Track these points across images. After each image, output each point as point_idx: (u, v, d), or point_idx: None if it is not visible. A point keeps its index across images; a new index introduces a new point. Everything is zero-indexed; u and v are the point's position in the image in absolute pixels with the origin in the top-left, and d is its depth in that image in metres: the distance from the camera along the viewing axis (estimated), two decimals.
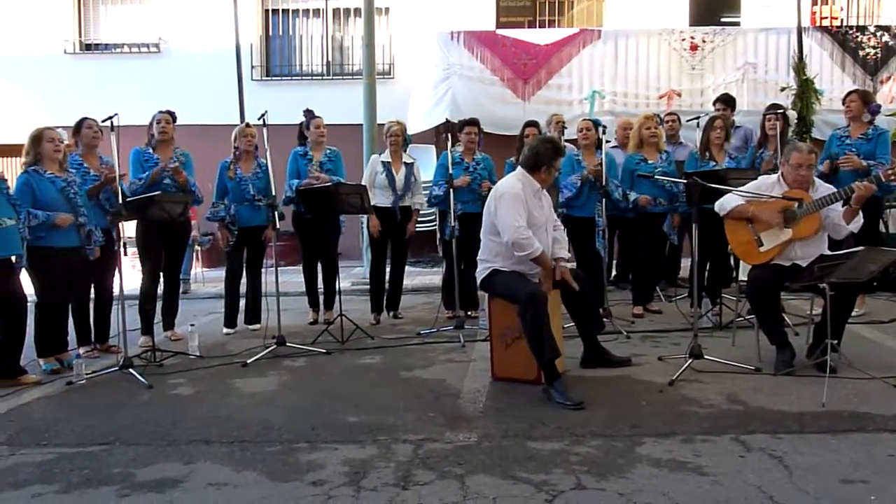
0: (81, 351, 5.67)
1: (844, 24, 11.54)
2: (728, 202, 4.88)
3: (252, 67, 12.24)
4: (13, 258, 4.83)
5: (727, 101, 7.48)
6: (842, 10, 12.01)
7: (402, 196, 6.63)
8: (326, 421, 3.98)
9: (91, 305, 5.84)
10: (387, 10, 12.30)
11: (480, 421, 3.90)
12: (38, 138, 5.20)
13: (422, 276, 9.64)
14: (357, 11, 11.85)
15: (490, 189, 6.29)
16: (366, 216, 6.91)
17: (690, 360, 4.58)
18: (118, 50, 12.76)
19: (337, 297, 6.44)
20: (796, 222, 4.63)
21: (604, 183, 6.15)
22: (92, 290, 5.85)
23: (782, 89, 9.75)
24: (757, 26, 10.87)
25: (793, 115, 8.96)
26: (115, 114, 5.00)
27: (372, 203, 6.27)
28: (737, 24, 11.71)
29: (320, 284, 6.88)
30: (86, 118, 5.77)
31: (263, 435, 3.77)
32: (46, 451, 3.64)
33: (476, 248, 4.81)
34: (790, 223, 4.66)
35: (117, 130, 5.06)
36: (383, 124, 6.92)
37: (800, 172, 4.66)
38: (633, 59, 10.69)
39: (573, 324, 4.88)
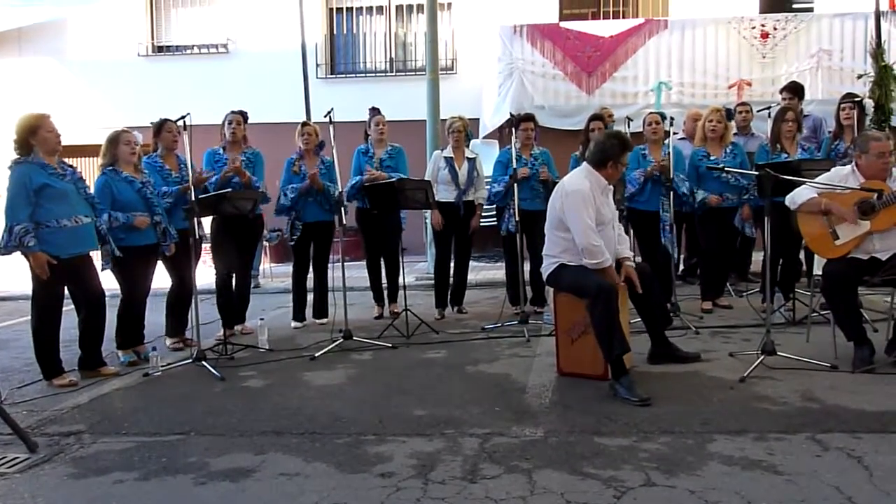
0: (169, 342, 5.94)
1: None
2: (799, 196, 4.72)
3: (317, 65, 12.43)
4: (91, 254, 5.00)
5: (794, 90, 7.18)
6: None
7: (465, 191, 6.64)
8: (393, 414, 4.02)
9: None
10: (449, 5, 12.35)
11: (546, 416, 3.89)
12: (114, 140, 5.37)
13: (486, 271, 9.64)
14: (419, 7, 11.93)
15: (548, 176, 6.28)
16: (429, 211, 6.94)
17: (763, 357, 4.46)
18: (188, 51, 13.13)
19: (401, 291, 6.51)
20: (875, 214, 4.47)
21: (670, 177, 6.05)
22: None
23: (859, 77, 9.35)
24: (831, 12, 10.50)
25: (870, 104, 8.61)
26: (188, 113, 5.16)
27: (435, 198, 6.30)
28: (810, 9, 11.36)
29: (384, 279, 6.95)
30: (166, 120, 5.84)
31: (332, 427, 3.84)
32: (126, 440, 3.78)
33: (538, 245, 4.76)
34: (867, 215, 4.50)
35: (190, 129, 5.21)
36: (446, 120, 6.94)
37: (881, 161, 4.52)
38: (700, 49, 10.47)
39: (639, 319, 4.81)
